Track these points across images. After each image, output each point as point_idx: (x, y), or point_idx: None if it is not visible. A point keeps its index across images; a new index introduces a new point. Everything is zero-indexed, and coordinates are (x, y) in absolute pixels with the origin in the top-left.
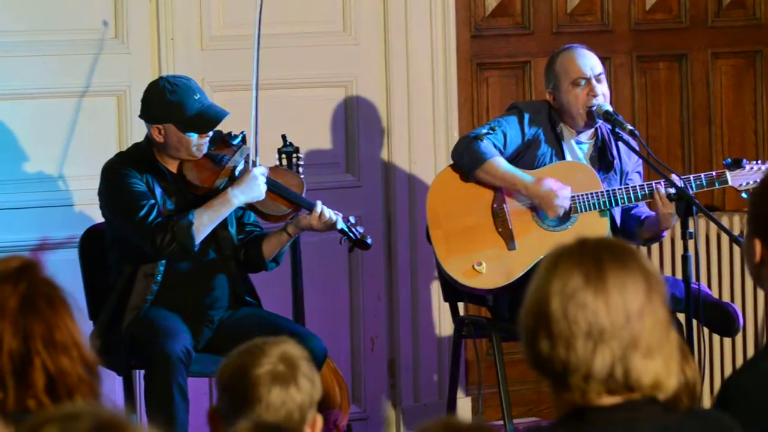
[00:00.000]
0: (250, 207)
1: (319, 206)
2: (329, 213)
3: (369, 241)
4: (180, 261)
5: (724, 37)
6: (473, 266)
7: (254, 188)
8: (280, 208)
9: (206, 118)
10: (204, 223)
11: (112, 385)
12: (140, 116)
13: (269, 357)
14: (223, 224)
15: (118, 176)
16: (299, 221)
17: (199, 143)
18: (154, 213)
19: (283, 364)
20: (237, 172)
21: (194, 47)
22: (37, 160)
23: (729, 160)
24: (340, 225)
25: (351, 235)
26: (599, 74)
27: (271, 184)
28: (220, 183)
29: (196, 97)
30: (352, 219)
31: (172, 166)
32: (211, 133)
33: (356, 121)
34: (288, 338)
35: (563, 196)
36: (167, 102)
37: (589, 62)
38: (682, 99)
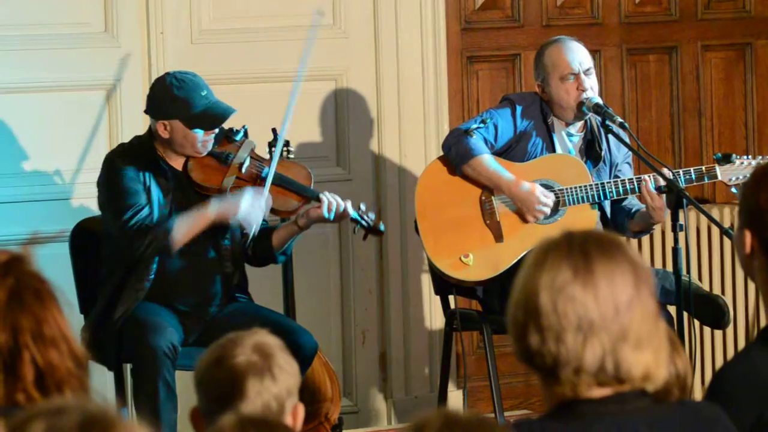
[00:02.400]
0: None
1: (324, 197)
2: (336, 201)
3: (382, 227)
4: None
5: (714, 30)
6: (460, 258)
7: (233, 209)
8: (290, 202)
9: (213, 115)
10: (183, 232)
11: (102, 379)
12: (146, 111)
13: (242, 348)
14: (225, 227)
15: (116, 172)
16: (310, 213)
17: (204, 139)
18: (139, 216)
19: (257, 355)
20: (244, 169)
21: (184, 41)
22: (27, 154)
23: (719, 154)
24: (351, 213)
25: (363, 223)
26: (588, 68)
27: (279, 179)
28: (228, 181)
29: (203, 93)
30: (362, 206)
31: (175, 163)
32: (216, 130)
33: (346, 114)
34: (262, 329)
35: (544, 203)
36: (174, 98)
37: (578, 56)
38: (672, 92)
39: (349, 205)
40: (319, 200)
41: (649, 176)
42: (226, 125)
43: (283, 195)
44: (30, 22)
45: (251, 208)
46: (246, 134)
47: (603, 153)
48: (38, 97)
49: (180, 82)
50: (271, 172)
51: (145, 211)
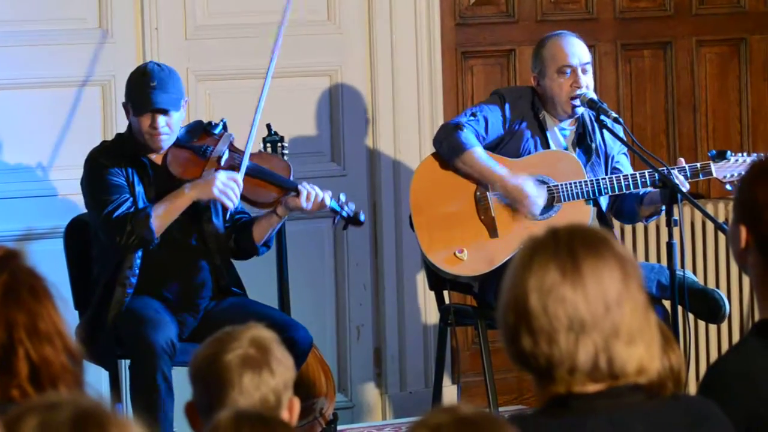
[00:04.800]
0: (242, 198)
1: (303, 188)
2: (315, 192)
3: (362, 217)
4: (143, 250)
5: (708, 25)
6: (455, 253)
7: (207, 186)
8: (269, 194)
9: (142, 103)
10: (160, 215)
11: (97, 376)
12: None
13: (239, 342)
14: (207, 217)
15: (97, 168)
16: (288, 202)
17: (148, 130)
18: (121, 209)
19: (253, 348)
20: (223, 162)
21: (178, 37)
22: (22, 150)
23: (714, 151)
24: (330, 204)
25: (343, 213)
26: (586, 64)
27: (257, 171)
28: (207, 174)
29: (152, 84)
30: (342, 197)
31: (155, 157)
32: (162, 127)
33: (341, 110)
34: (258, 323)
35: (535, 200)
36: (130, 80)
37: (577, 51)
38: (666, 87)
39: (327, 195)
40: (297, 191)
41: (648, 171)
42: (204, 119)
43: (263, 186)
44: (24, 18)
45: (226, 182)
46: (225, 127)
47: (594, 145)
48: (32, 93)
49: (144, 70)
50: (245, 160)
51: (128, 204)
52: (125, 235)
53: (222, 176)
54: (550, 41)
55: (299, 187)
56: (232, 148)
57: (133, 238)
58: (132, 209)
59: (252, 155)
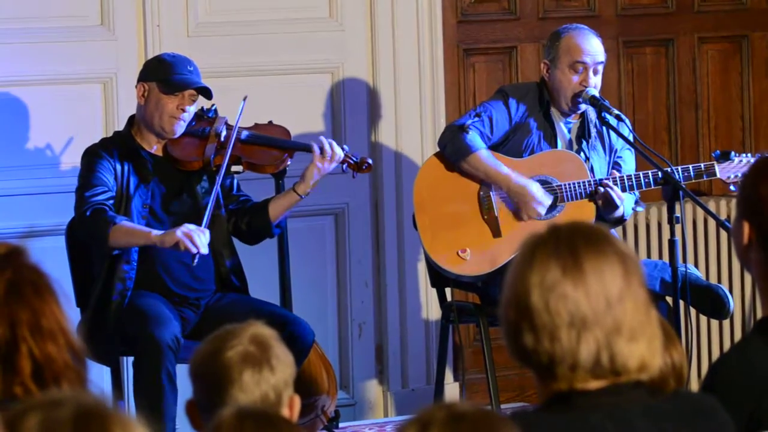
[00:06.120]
0: (248, 165)
1: (317, 145)
2: (331, 145)
3: (370, 161)
4: (91, 246)
5: (710, 22)
6: (458, 253)
7: (171, 231)
8: (271, 156)
9: (187, 82)
10: (123, 229)
11: (100, 374)
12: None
13: (239, 339)
14: (206, 203)
15: (91, 156)
16: (305, 176)
17: (174, 114)
18: (97, 198)
19: (254, 345)
20: (222, 137)
21: (180, 34)
22: (24, 147)
23: (718, 152)
24: (341, 153)
25: (351, 161)
26: (599, 64)
27: (254, 137)
28: (210, 149)
29: (189, 68)
30: (346, 147)
31: (154, 150)
32: (188, 113)
33: (343, 107)
34: (260, 319)
35: (540, 202)
36: (161, 62)
37: (594, 50)
38: (668, 84)
39: (338, 147)
40: (309, 149)
41: (652, 171)
42: (197, 106)
43: (266, 150)
44: (26, 15)
45: (192, 229)
46: (216, 112)
47: (591, 140)
48: (35, 91)
49: (174, 55)
50: (235, 128)
51: (105, 195)
52: (90, 217)
53: (190, 225)
54: (570, 34)
55: (307, 146)
56: (228, 127)
57: (89, 224)
58: (110, 202)
59: (249, 127)
